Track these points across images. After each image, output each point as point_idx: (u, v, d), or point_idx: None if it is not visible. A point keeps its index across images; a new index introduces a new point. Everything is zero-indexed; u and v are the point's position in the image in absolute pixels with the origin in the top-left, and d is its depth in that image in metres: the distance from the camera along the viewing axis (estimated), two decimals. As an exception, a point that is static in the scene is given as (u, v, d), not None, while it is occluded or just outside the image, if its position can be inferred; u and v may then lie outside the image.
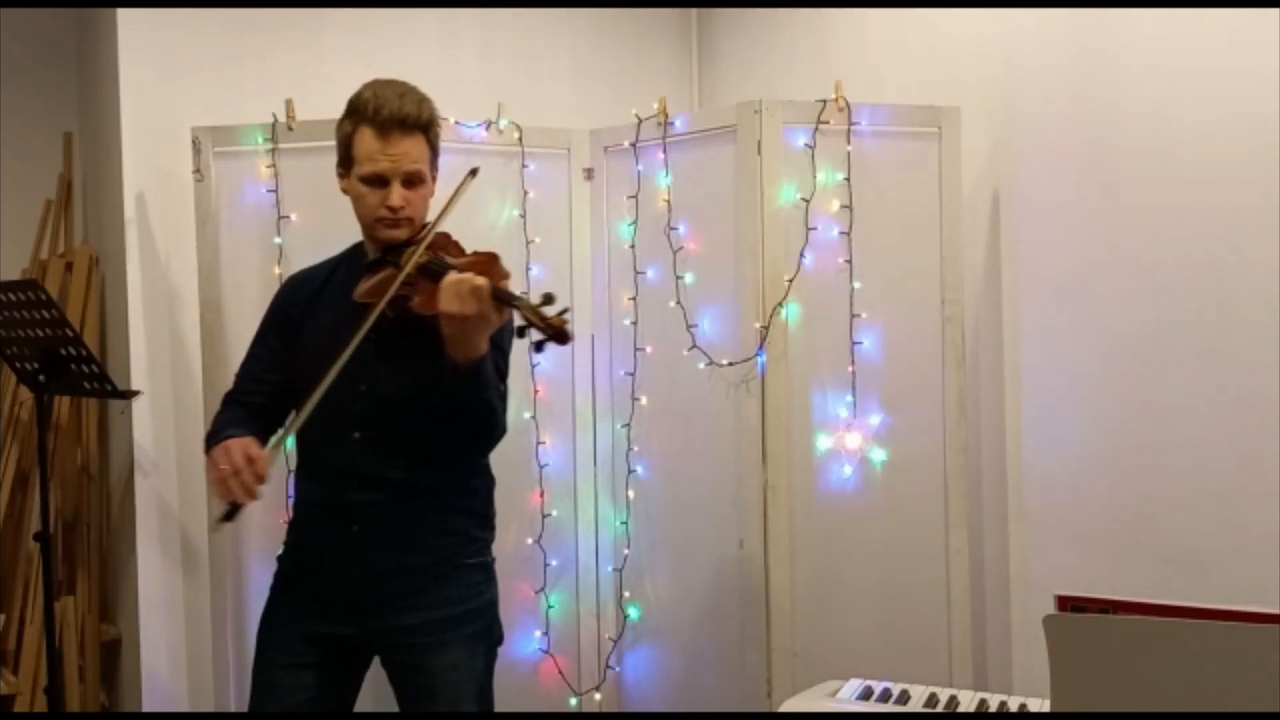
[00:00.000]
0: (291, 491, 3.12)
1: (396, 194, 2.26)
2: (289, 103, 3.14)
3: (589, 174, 3.36)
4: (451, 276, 2.09)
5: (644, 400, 3.27)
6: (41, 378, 2.99)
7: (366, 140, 2.26)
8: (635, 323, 3.28)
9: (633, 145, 3.25)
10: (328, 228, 3.18)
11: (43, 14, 4.01)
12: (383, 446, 2.29)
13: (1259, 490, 2.73)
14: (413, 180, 2.28)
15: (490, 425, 2.27)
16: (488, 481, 2.45)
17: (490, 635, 2.40)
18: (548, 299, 2.05)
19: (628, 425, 3.29)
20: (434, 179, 2.35)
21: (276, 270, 3.13)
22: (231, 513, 2.14)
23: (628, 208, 3.27)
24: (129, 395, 3.31)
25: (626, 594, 3.31)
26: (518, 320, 2.09)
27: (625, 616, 3.32)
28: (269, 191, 3.15)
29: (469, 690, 2.32)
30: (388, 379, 2.27)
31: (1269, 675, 1.46)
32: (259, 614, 3.15)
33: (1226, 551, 2.80)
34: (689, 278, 3.17)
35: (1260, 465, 2.73)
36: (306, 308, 2.41)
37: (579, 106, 3.92)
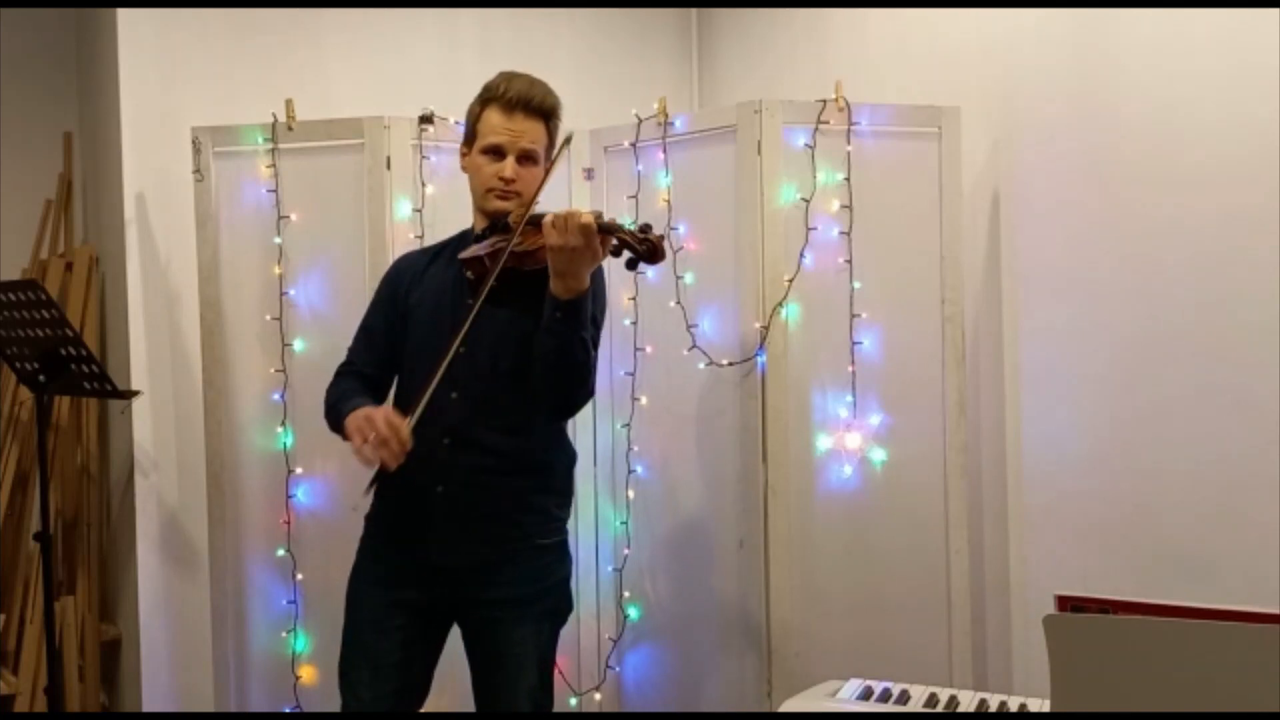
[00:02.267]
0: (295, 484, 3.14)
1: (510, 166, 2.39)
2: (289, 103, 3.14)
3: (589, 174, 3.35)
4: (556, 212, 2.22)
5: (644, 400, 3.27)
6: (41, 378, 2.99)
7: (492, 117, 2.41)
8: (635, 323, 3.28)
9: (633, 145, 3.25)
10: (328, 228, 3.19)
11: (43, 14, 4.01)
12: (479, 408, 2.36)
13: (1259, 490, 2.73)
14: (527, 158, 2.41)
15: (586, 370, 2.31)
16: (569, 457, 2.54)
17: (558, 611, 2.49)
18: (645, 227, 2.24)
19: (628, 425, 3.29)
20: (547, 171, 2.45)
21: (276, 270, 3.14)
22: (377, 479, 2.25)
23: (628, 208, 3.26)
24: (129, 395, 3.31)
25: (626, 594, 3.31)
26: (613, 242, 2.22)
27: (625, 616, 3.31)
28: (269, 191, 3.15)
29: (532, 661, 2.41)
30: (488, 342, 2.34)
31: (1269, 675, 1.46)
32: (259, 614, 3.19)
33: (1226, 551, 2.80)
34: (689, 278, 3.17)
35: (1260, 465, 2.73)
36: (414, 281, 2.51)
37: (579, 106, 3.90)
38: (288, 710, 3.13)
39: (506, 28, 3.93)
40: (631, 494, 3.30)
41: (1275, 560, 2.67)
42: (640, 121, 3.23)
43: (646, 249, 2.22)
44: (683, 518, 3.23)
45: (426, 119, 3.16)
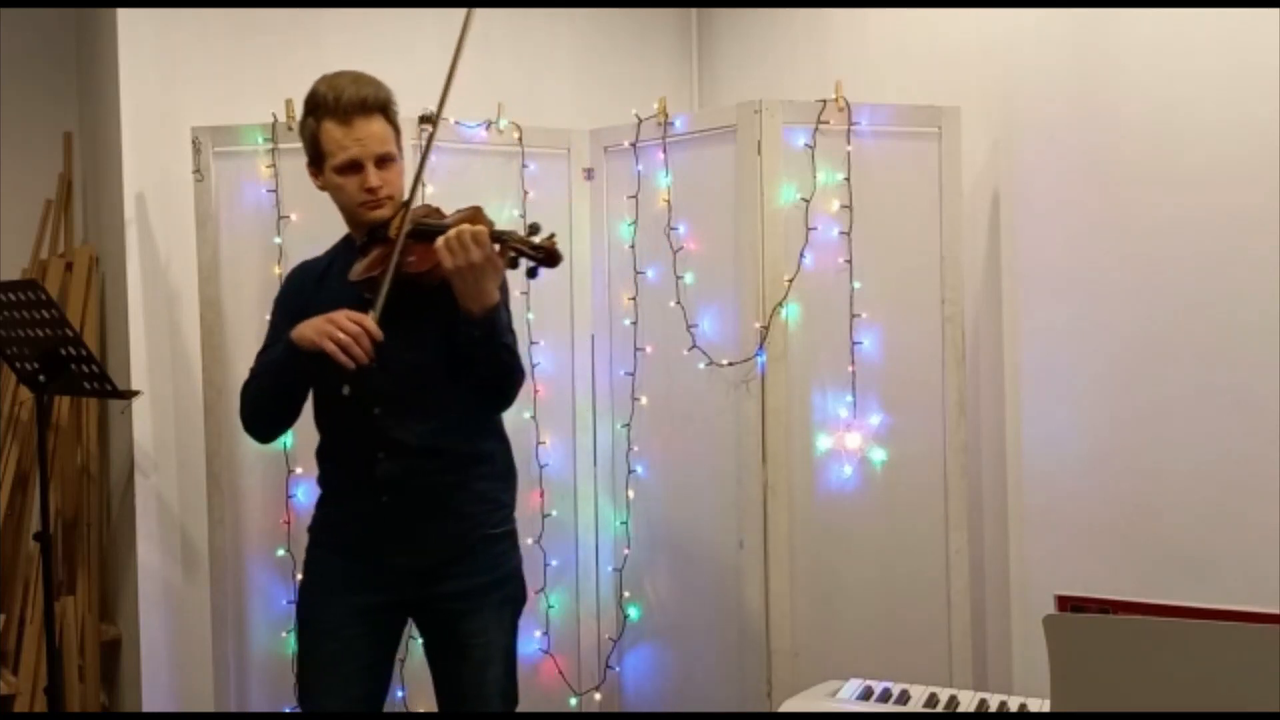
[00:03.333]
0: (295, 484, 3.14)
1: (373, 175, 2.32)
2: (289, 103, 3.14)
3: (589, 174, 3.35)
4: (448, 234, 2.17)
5: (644, 400, 3.27)
6: (41, 378, 2.99)
7: (331, 131, 2.32)
8: (635, 323, 3.28)
9: (633, 145, 3.25)
10: (327, 228, 3.17)
11: (43, 14, 4.01)
12: (404, 418, 2.34)
13: (1259, 490, 2.73)
14: (384, 161, 2.34)
15: (516, 368, 2.34)
16: (505, 445, 2.51)
17: (516, 599, 2.48)
18: (534, 228, 2.20)
19: (628, 425, 3.29)
20: (401, 155, 2.41)
21: (276, 270, 3.13)
22: (353, 380, 2.22)
23: (628, 208, 3.27)
24: (129, 395, 3.31)
25: (626, 594, 3.31)
26: (509, 253, 2.20)
27: (625, 616, 3.32)
28: (269, 191, 3.15)
29: (496, 650, 2.41)
30: (400, 352, 2.29)
31: (1269, 675, 1.46)
32: (259, 614, 3.19)
33: (1226, 551, 2.80)
34: (689, 278, 3.17)
35: (1260, 465, 2.73)
36: (312, 294, 2.44)
37: (579, 106, 3.92)
38: (288, 710, 3.13)
39: (506, 28, 3.93)
40: (631, 494, 3.30)
41: (1275, 560, 2.67)
42: (640, 121, 3.23)
43: (543, 255, 2.19)
44: (683, 518, 3.23)
45: (426, 119, 3.16)
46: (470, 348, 2.24)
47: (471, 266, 2.16)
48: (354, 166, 2.32)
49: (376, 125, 2.33)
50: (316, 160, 2.37)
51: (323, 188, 2.40)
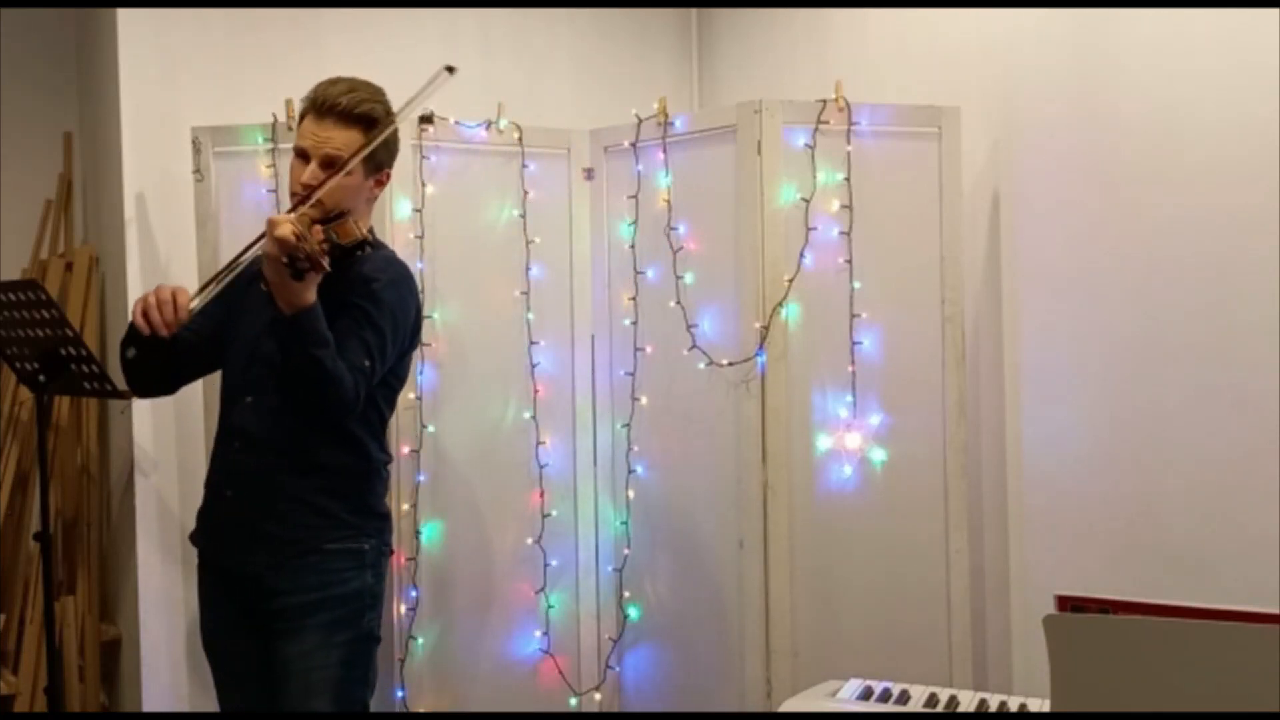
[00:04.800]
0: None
1: (309, 170, 2.35)
2: (289, 103, 3.14)
3: (589, 174, 3.35)
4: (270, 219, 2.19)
5: (644, 400, 3.27)
6: (41, 378, 2.98)
7: (305, 122, 2.39)
8: (635, 323, 3.28)
9: (633, 145, 3.25)
10: (328, 228, 3.18)
11: (43, 14, 4.01)
12: (267, 410, 2.34)
13: (1259, 490, 2.73)
14: (329, 163, 2.34)
15: (325, 386, 2.21)
16: (362, 464, 2.40)
17: (355, 625, 2.34)
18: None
19: (628, 425, 3.29)
20: (380, 181, 2.45)
21: (276, 270, 3.13)
22: (141, 345, 2.29)
23: (628, 208, 3.27)
24: (129, 395, 3.30)
25: (626, 594, 3.31)
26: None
27: (625, 616, 3.32)
28: (269, 191, 3.15)
29: (320, 681, 2.28)
30: (268, 343, 2.29)
31: (1269, 675, 1.46)
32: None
33: (1226, 551, 2.80)
34: (689, 278, 3.17)
35: (1260, 465, 2.73)
36: (249, 284, 2.46)
37: (579, 106, 3.92)
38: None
39: (506, 28, 3.92)
40: (631, 494, 3.30)
41: (1275, 560, 2.67)
42: (640, 121, 3.23)
43: (302, 257, 2.14)
44: (683, 518, 3.23)
45: (426, 119, 3.16)
46: (281, 347, 2.22)
47: (267, 256, 2.15)
48: (302, 156, 2.37)
49: (342, 132, 2.34)
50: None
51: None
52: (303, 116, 2.40)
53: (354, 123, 2.34)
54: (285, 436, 2.33)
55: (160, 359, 2.38)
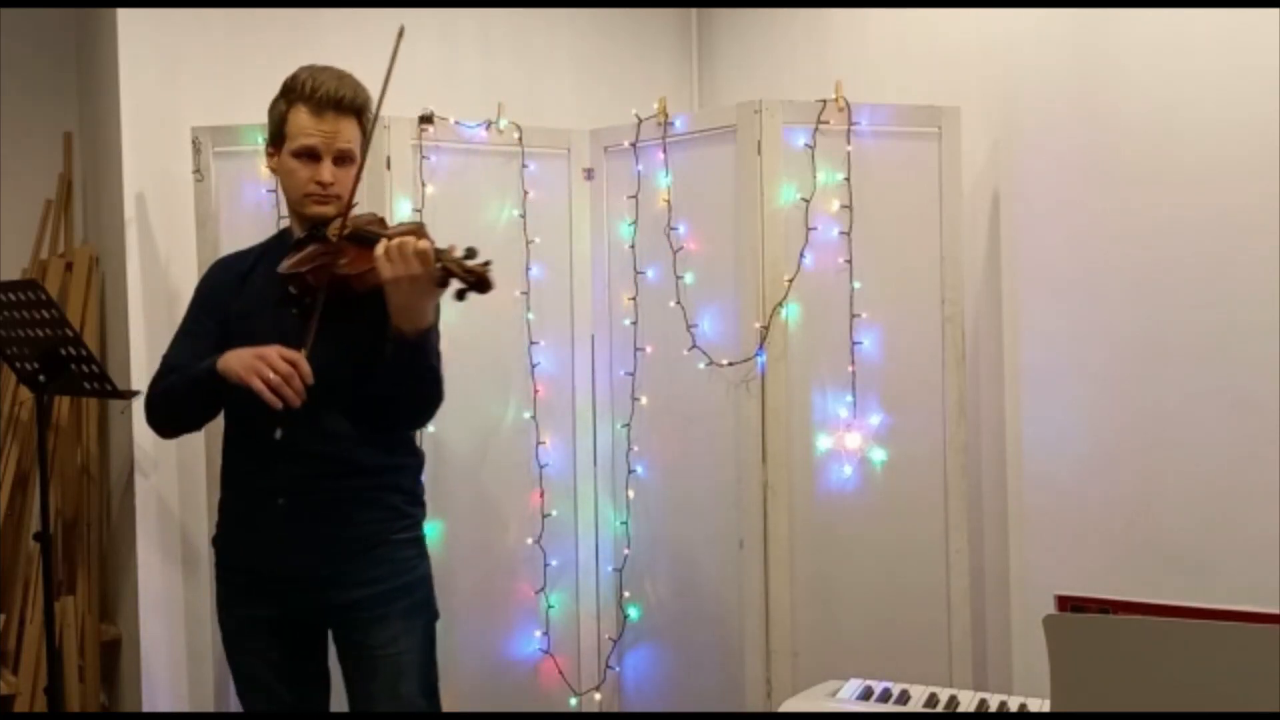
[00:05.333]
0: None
1: (327, 170, 2.30)
2: (289, 103, 3.14)
3: (589, 174, 3.36)
4: (392, 241, 2.13)
5: (644, 400, 3.27)
6: (41, 378, 2.99)
7: (301, 117, 2.31)
8: (635, 323, 3.28)
9: (633, 145, 3.25)
10: (328, 228, 3.18)
11: (43, 14, 4.01)
12: (312, 422, 2.26)
13: (1259, 490, 2.73)
14: (343, 159, 2.32)
15: (438, 394, 2.30)
16: (417, 459, 2.48)
17: (428, 608, 2.42)
18: (470, 252, 2.13)
19: (628, 425, 3.29)
20: (362, 164, 2.37)
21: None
22: (284, 421, 2.17)
23: (628, 208, 3.27)
24: (129, 395, 3.31)
25: (626, 594, 3.31)
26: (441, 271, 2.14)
27: (625, 616, 3.32)
28: (269, 191, 3.15)
29: (410, 662, 2.34)
30: (320, 357, 2.22)
31: (1269, 675, 1.46)
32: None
33: (1226, 551, 2.80)
34: (689, 278, 3.17)
35: (1260, 465, 2.73)
36: (234, 291, 2.41)
37: (579, 106, 3.92)
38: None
39: (506, 28, 3.92)
40: (631, 494, 3.30)
41: (1275, 560, 2.67)
42: (640, 121, 3.23)
43: (474, 280, 2.12)
44: (683, 518, 3.23)
45: (426, 119, 3.16)
46: (395, 368, 2.20)
47: (411, 279, 2.11)
48: (311, 155, 2.31)
49: (346, 125, 2.31)
50: (277, 141, 2.35)
51: (274, 170, 2.40)
52: (287, 112, 2.32)
53: (352, 113, 2.32)
54: (344, 444, 2.30)
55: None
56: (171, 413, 2.39)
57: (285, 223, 3.13)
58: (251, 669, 2.40)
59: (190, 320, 2.47)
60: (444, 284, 2.14)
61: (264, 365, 2.14)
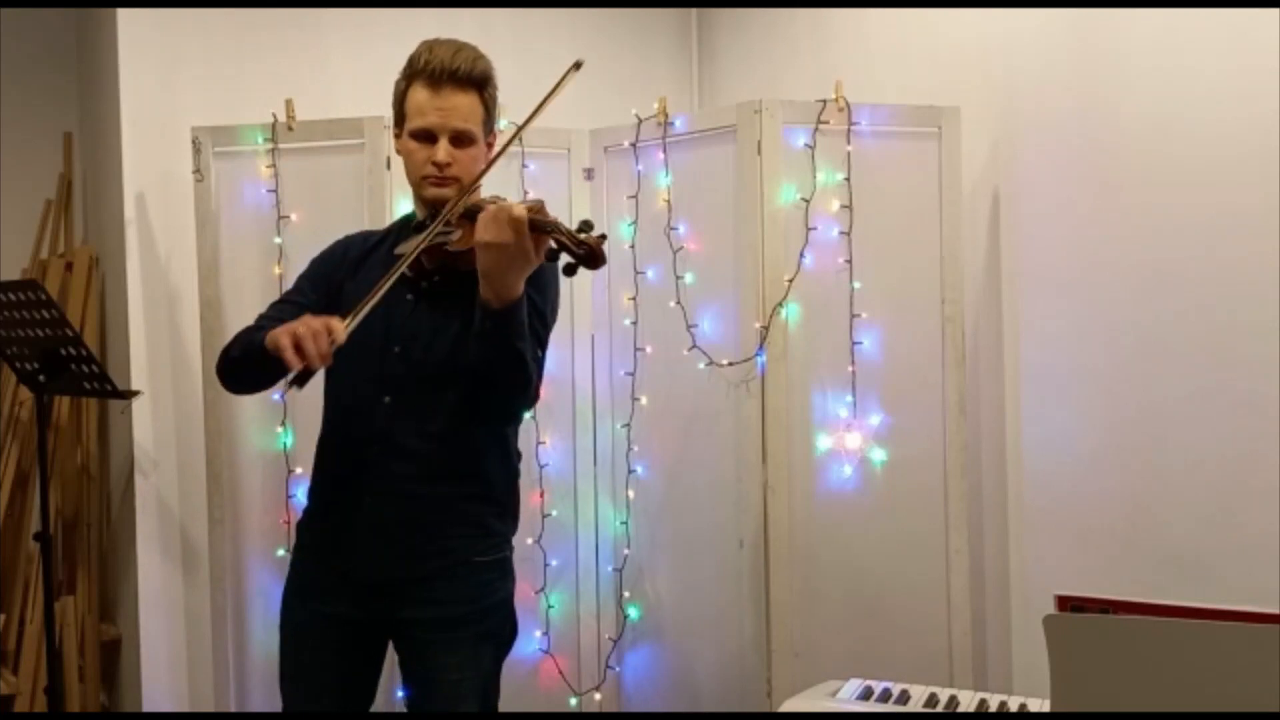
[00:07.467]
0: (295, 484, 3.14)
1: (443, 150, 2.20)
2: (289, 103, 3.14)
3: (589, 174, 3.35)
4: (491, 207, 2.03)
5: (644, 400, 3.27)
6: (41, 378, 2.99)
7: (418, 94, 2.22)
8: (635, 323, 3.28)
9: (633, 145, 3.25)
10: (328, 228, 3.18)
11: (43, 14, 4.01)
12: (413, 413, 2.20)
13: (1259, 490, 2.73)
14: (461, 139, 2.21)
15: (524, 381, 2.13)
16: (511, 469, 2.34)
17: (500, 634, 2.32)
18: (585, 225, 2.02)
19: (628, 425, 3.29)
20: (490, 144, 2.28)
21: (276, 270, 3.14)
22: (302, 377, 2.02)
23: (628, 208, 3.27)
24: (129, 395, 3.31)
25: (626, 594, 3.31)
26: (550, 244, 2.02)
27: (625, 616, 3.32)
28: (269, 191, 3.15)
29: (470, 688, 2.24)
30: (424, 340, 2.18)
31: (1269, 675, 1.46)
32: (259, 614, 3.18)
33: (1226, 551, 2.80)
34: (689, 278, 3.17)
35: (1260, 465, 2.73)
36: (351, 269, 2.33)
37: (579, 106, 3.90)
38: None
39: (506, 28, 3.92)
40: (631, 494, 3.30)
41: (1275, 560, 2.67)
42: (640, 121, 3.23)
43: (585, 253, 2.00)
44: (683, 518, 3.23)
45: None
46: (480, 340, 2.06)
47: (501, 246, 1.98)
48: (428, 136, 2.21)
49: (464, 100, 2.21)
50: (399, 121, 2.27)
51: (399, 152, 2.30)
52: (406, 90, 2.24)
53: (471, 86, 2.21)
54: (436, 442, 2.20)
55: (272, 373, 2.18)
56: (228, 367, 2.30)
57: (285, 222, 3.16)
58: (305, 663, 2.29)
59: (294, 289, 2.39)
60: (554, 257, 2.03)
61: (299, 324, 2.02)
